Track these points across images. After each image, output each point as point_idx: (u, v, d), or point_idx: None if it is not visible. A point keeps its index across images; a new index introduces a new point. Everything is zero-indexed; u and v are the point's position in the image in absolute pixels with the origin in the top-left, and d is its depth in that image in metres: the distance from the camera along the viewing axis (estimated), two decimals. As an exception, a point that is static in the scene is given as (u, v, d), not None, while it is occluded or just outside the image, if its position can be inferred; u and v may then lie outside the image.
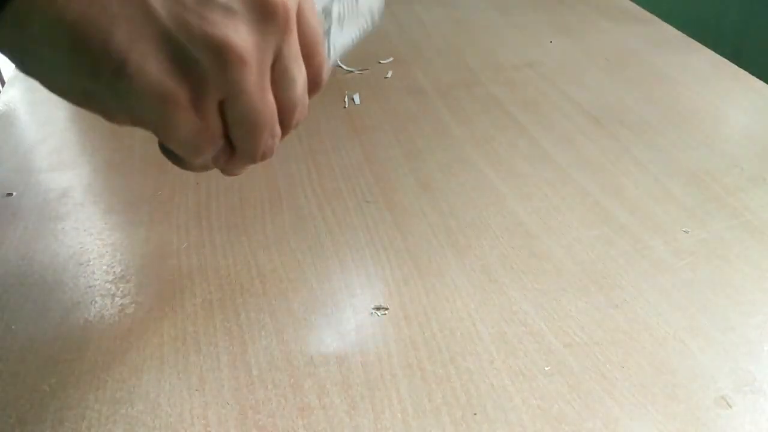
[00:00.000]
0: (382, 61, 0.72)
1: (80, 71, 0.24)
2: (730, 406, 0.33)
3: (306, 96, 0.30)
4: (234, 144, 0.29)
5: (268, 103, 0.27)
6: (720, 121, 0.59)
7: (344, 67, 0.71)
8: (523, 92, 0.65)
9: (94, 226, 0.49)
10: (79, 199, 0.52)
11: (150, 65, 0.24)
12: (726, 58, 0.71)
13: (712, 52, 0.72)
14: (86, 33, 0.23)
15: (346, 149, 0.57)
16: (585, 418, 0.33)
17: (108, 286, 0.43)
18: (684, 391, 0.34)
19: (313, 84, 0.30)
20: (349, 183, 0.52)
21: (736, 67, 0.69)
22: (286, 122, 0.29)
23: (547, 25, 0.81)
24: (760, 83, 0.65)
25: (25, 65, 0.25)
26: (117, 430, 0.34)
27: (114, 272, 0.44)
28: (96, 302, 0.42)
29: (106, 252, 0.46)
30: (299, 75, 0.28)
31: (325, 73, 0.31)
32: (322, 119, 0.61)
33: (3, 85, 1.08)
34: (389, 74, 0.69)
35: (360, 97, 0.65)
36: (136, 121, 0.26)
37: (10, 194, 0.53)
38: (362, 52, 0.73)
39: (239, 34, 0.25)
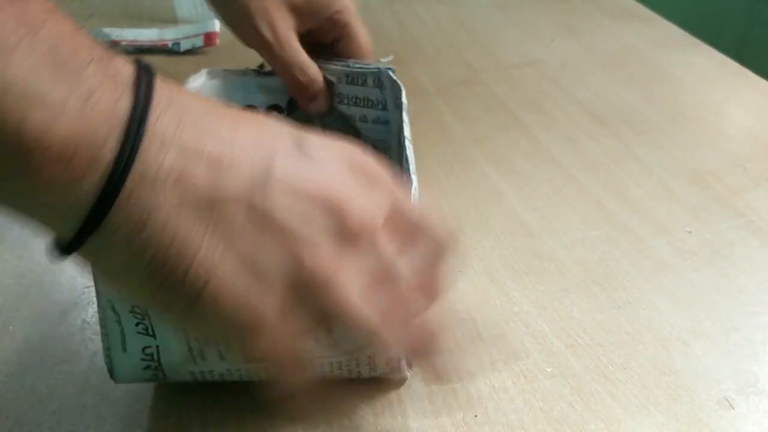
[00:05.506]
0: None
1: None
2: (733, 408, 0.33)
3: (417, 294, 0.27)
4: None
5: (368, 309, 0.26)
6: (723, 121, 0.59)
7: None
8: (524, 91, 0.65)
9: (93, 226, 0.48)
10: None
11: (229, 288, 0.23)
12: (729, 56, 0.70)
13: (716, 51, 0.72)
14: (164, 269, 0.22)
15: (346, 148, 0.56)
16: (587, 419, 0.33)
17: (107, 286, 0.43)
18: (687, 393, 0.34)
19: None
20: (349, 182, 0.52)
21: (740, 65, 0.68)
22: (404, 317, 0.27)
23: (549, 24, 0.81)
24: (763, 82, 0.65)
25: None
26: (115, 432, 0.33)
27: (113, 272, 0.44)
28: (94, 303, 0.42)
29: (105, 252, 0.46)
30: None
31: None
32: (322, 118, 0.61)
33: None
34: (390, 73, 0.69)
35: (361, 96, 0.65)
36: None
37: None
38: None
39: (324, 256, 0.24)
